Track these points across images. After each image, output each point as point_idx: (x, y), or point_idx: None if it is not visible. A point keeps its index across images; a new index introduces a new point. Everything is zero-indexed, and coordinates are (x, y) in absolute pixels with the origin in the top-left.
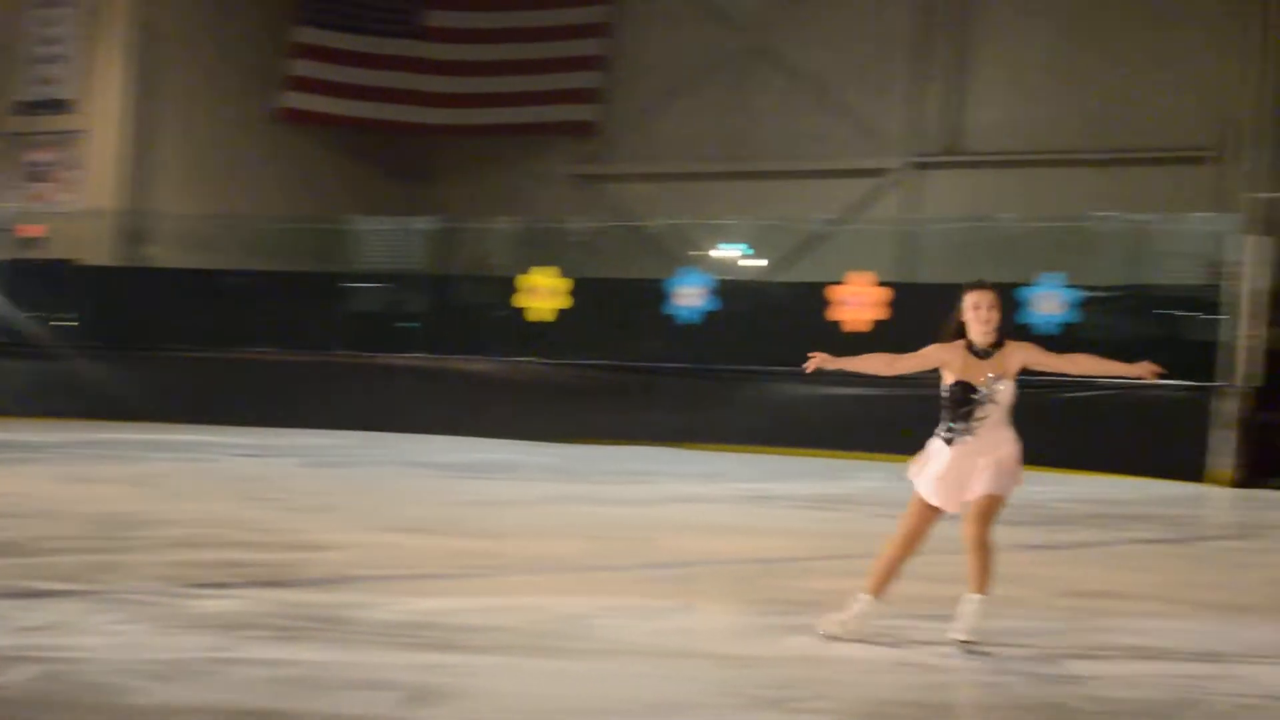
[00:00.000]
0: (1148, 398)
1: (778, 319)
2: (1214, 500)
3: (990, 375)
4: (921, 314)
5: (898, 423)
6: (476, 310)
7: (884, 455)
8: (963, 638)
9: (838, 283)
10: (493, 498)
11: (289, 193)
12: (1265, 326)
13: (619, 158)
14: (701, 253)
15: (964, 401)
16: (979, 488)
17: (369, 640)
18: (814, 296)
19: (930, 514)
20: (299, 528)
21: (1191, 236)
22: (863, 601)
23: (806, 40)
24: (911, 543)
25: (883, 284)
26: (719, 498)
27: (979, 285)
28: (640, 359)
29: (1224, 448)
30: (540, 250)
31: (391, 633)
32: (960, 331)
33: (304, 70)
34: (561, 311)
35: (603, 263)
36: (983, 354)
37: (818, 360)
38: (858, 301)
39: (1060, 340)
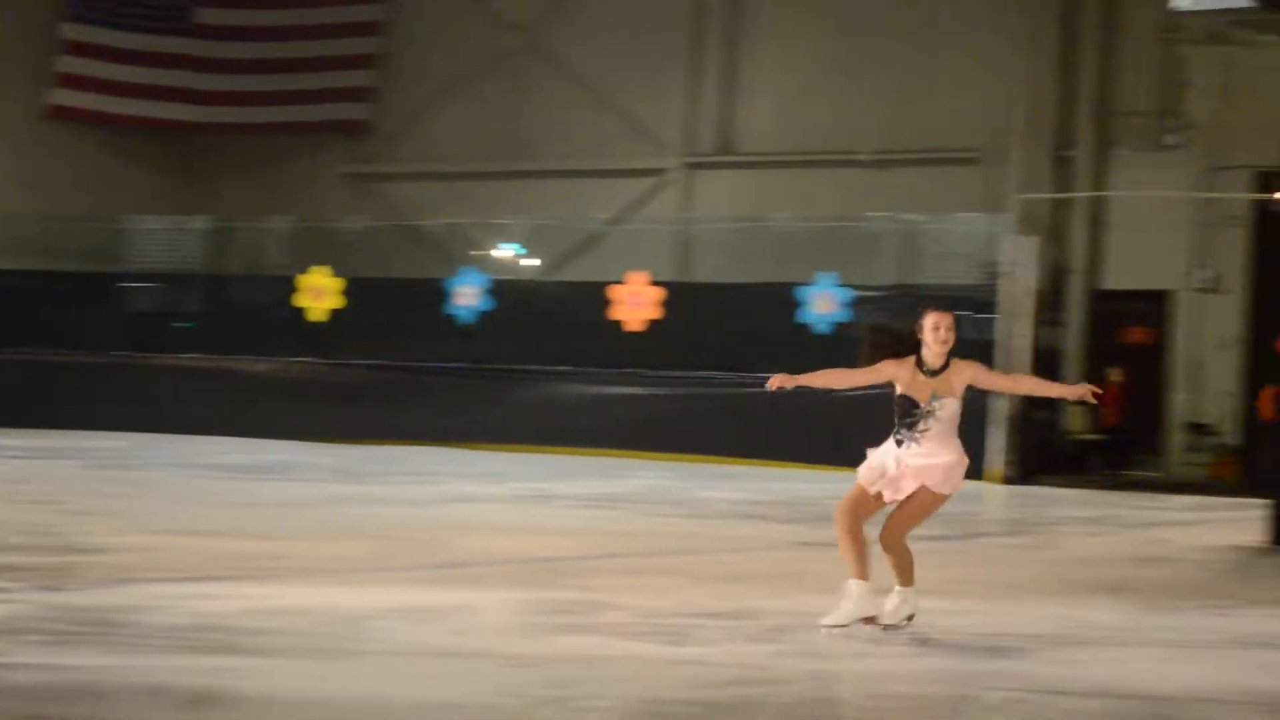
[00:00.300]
0: None
1: (555, 319)
2: (988, 498)
3: (932, 393)
4: (697, 313)
5: (673, 422)
6: (253, 310)
7: (661, 454)
8: (886, 622)
9: (615, 282)
10: (272, 499)
11: (63, 191)
12: (1036, 325)
13: (396, 157)
14: (479, 252)
15: (908, 414)
16: (908, 488)
17: (148, 644)
18: (591, 296)
19: (865, 498)
20: (75, 530)
21: (963, 237)
22: (854, 586)
23: (582, 40)
24: (853, 520)
25: (658, 283)
26: (499, 498)
27: (940, 307)
28: (418, 359)
29: (997, 446)
30: (316, 250)
31: (171, 636)
32: (913, 347)
33: (74, 67)
34: (337, 311)
35: (379, 262)
36: (930, 372)
37: (778, 380)
38: (634, 301)
39: (832, 339)
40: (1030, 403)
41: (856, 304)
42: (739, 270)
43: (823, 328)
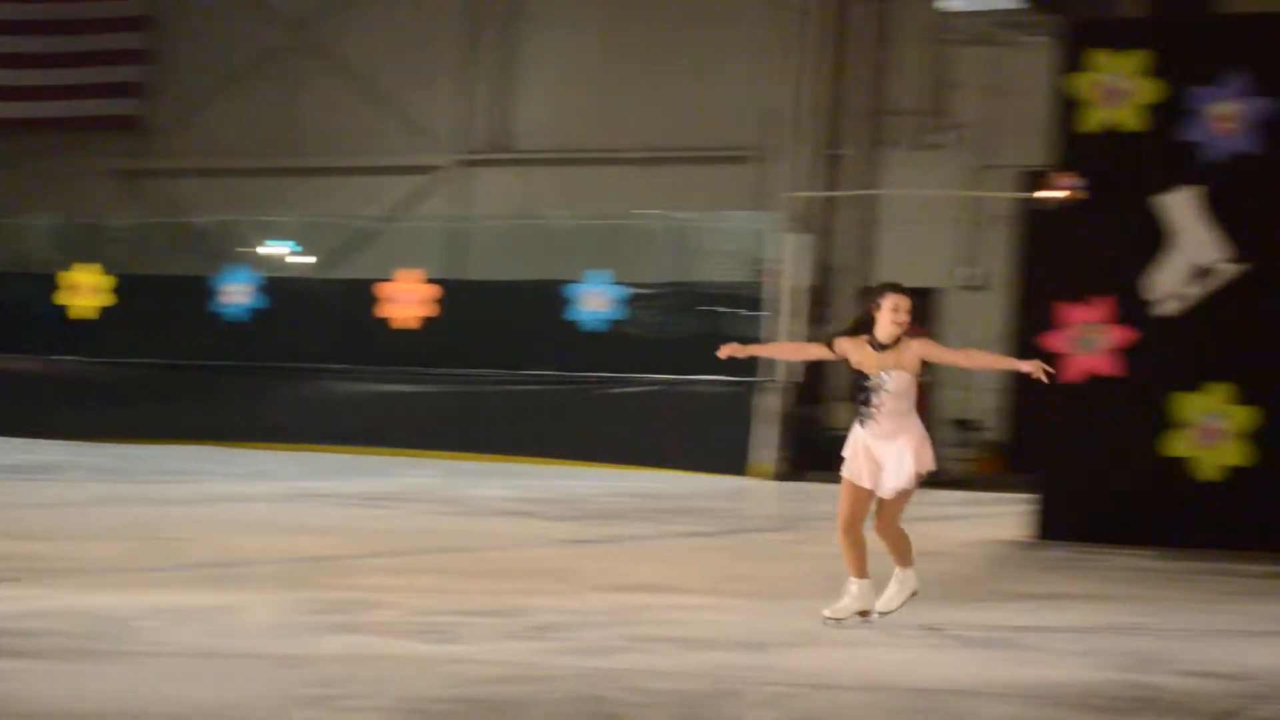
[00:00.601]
0: (692, 393)
1: (327, 316)
2: (756, 493)
3: (882, 367)
4: (470, 311)
5: (445, 420)
6: (17, 307)
7: (433, 452)
8: (886, 609)
9: (387, 280)
10: (35, 499)
11: None
12: (805, 322)
13: (169, 153)
14: (250, 250)
15: (861, 389)
16: (888, 481)
17: None
18: (363, 294)
19: (858, 491)
20: None
21: (734, 234)
22: (854, 585)
23: (356, 36)
24: (853, 523)
25: (432, 281)
26: (267, 496)
27: (901, 290)
28: (188, 357)
29: (766, 442)
30: (83, 246)
31: None
32: (868, 326)
33: None
34: (105, 309)
35: (150, 260)
36: (880, 347)
37: (729, 349)
38: (407, 298)
39: (607, 337)
40: (800, 399)
41: (628, 301)
42: (513, 268)
43: (595, 325)
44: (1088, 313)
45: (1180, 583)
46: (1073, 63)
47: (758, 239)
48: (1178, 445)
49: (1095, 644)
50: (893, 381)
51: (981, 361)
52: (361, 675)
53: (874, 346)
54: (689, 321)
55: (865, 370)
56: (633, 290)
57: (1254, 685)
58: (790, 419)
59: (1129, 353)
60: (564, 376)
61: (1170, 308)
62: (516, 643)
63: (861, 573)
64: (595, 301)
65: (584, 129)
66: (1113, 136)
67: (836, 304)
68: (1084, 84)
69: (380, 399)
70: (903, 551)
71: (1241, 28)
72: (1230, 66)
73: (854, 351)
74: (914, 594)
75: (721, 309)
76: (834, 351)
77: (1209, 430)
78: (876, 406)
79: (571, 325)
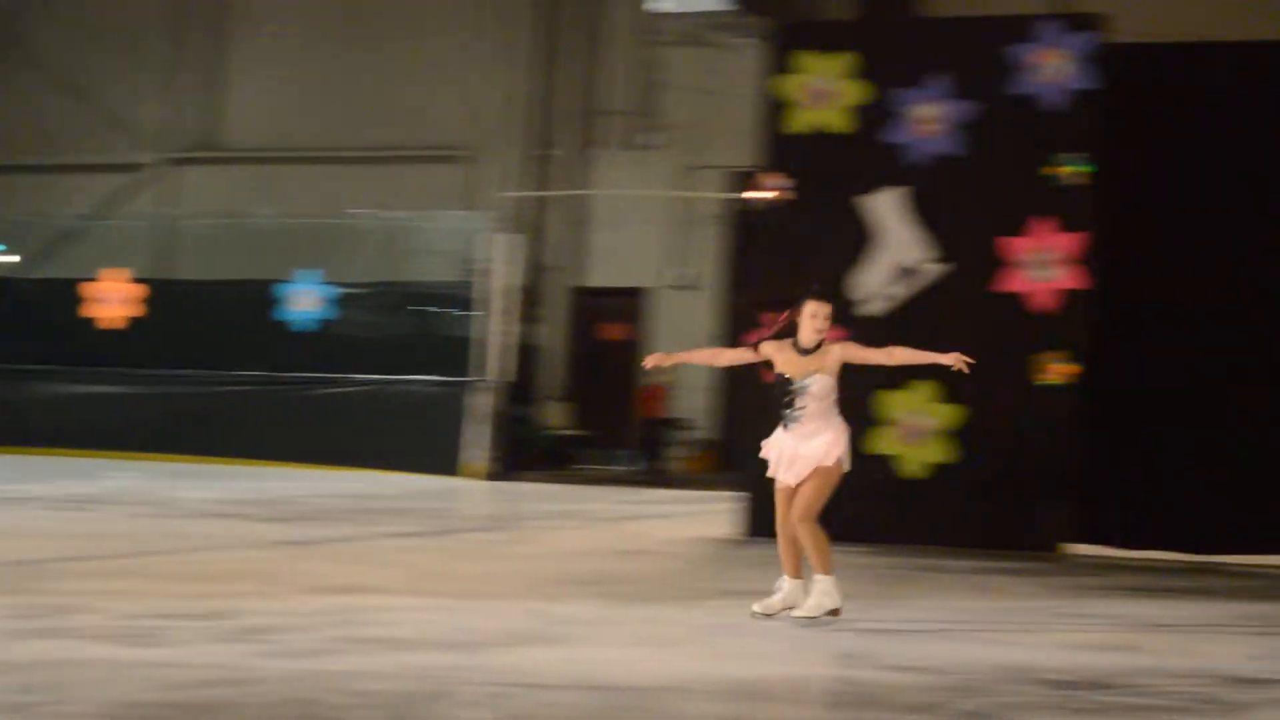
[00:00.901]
0: (404, 393)
1: (31, 317)
2: (468, 493)
3: (805, 371)
4: (179, 310)
5: (152, 421)
6: None
7: (139, 454)
8: (804, 614)
9: (92, 279)
10: None
11: None
12: (516, 322)
13: None
14: None
15: (785, 393)
16: (794, 479)
17: None
18: (66, 293)
19: (781, 491)
20: None
21: (446, 234)
22: (785, 583)
23: (60, 31)
24: (784, 522)
25: (138, 280)
26: None
27: (822, 297)
28: None
29: (478, 441)
30: None
31: None
32: (791, 331)
33: None
34: None
35: None
36: (804, 351)
37: (655, 359)
38: (112, 298)
39: (317, 336)
40: (512, 398)
41: (338, 301)
42: (222, 267)
43: (304, 325)
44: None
45: (885, 578)
46: (780, 65)
47: (469, 239)
48: (883, 443)
49: (799, 639)
50: (815, 385)
51: (904, 358)
52: (64, 681)
53: (798, 351)
54: (400, 321)
55: (789, 374)
56: (342, 290)
57: (956, 679)
58: (502, 419)
59: None
60: (274, 377)
61: (876, 307)
62: (224, 645)
63: (794, 573)
64: (305, 301)
65: (295, 128)
66: (819, 138)
67: (547, 303)
68: (791, 86)
69: (85, 400)
70: (817, 553)
71: (943, 31)
72: (932, 69)
73: (778, 356)
74: (834, 612)
75: (433, 309)
76: (760, 355)
77: (913, 428)
78: (800, 409)
79: (281, 325)
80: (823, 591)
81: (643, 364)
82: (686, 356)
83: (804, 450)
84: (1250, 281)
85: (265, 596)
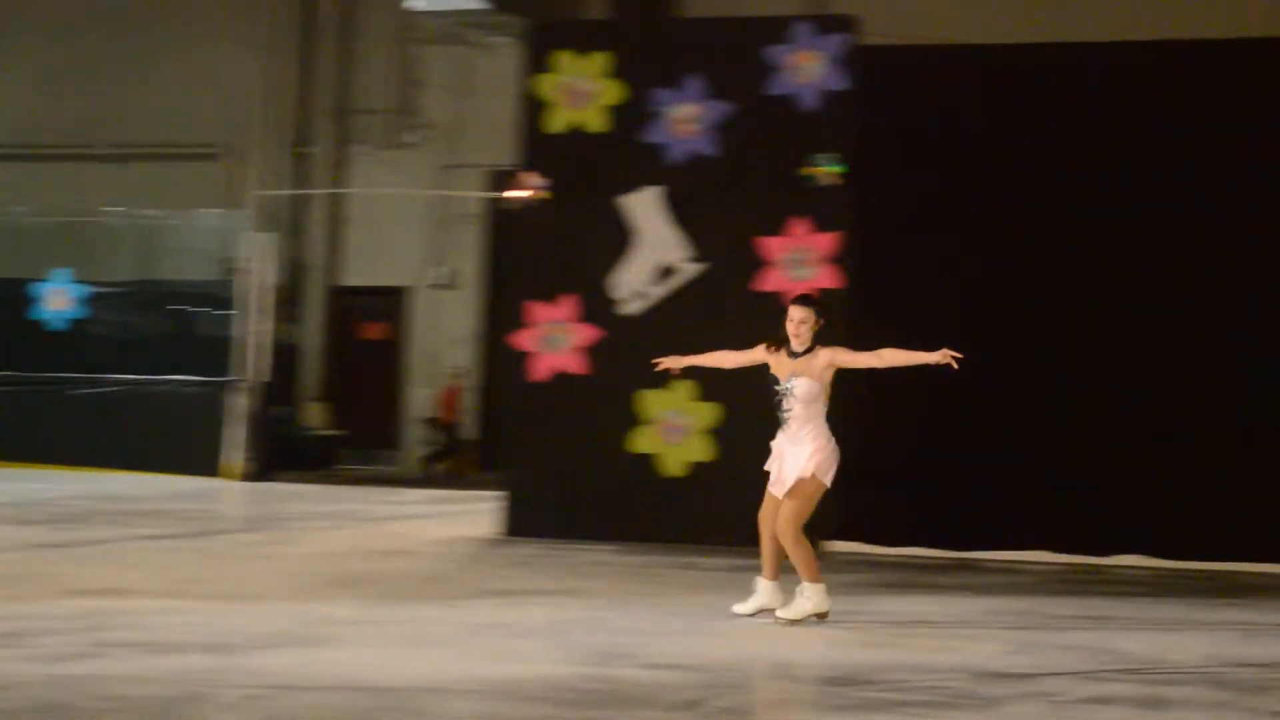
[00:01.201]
0: (162, 393)
1: None
2: (227, 494)
3: (791, 373)
4: None
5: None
6: None
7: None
8: (788, 616)
9: None
10: None
11: None
12: (274, 322)
13: None
14: None
15: (774, 394)
16: (780, 490)
17: None
18: None
19: (771, 500)
20: None
21: (204, 232)
22: (760, 584)
23: None
24: (769, 526)
25: None
26: None
27: (797, 301)
28: None
29: (236, 442)
30: None
31: None
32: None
33: None
34: None
35: None
36: (793, 355)
37: (668, 362)
38: None
39: (71, 336)
40: (271, 398)
41: (91, 300)
42: None
43: (58, 324)
44: (554, 311)
45: (644, 577)
46: (537, 64)
47: (226, 238)
48: (642, 442)
49: (560, 638)
50: (798, 388)
51: (894, 360)
52: None
53: (789, 354)
54: (157, 321)
55: (778, 376)
56: (96, 289)
57: (714, 676)
58: (259, 419)
59: (594, 351)
60: (27, 377)
61: (634, 306)
62: None
63: (771, 575)
64: (58, 300)
65: (50, 125)
66: (577, 137)
67: (307, 303)
68: (548, 85)
69: None
70: (802, 562)
71: (700, 32)
72: (688, 70)
73: (773, 358)
74: (822, 616)
75: (191, 308)
76: (758, 358)
77: (672, 427)
78: (787, 411)
79: (35, 325)
80: (808, 596)
81: (653, 365)
82: (698, 359)
83: (789, 460)
84: (1002, 275)
85: (17, 600)
